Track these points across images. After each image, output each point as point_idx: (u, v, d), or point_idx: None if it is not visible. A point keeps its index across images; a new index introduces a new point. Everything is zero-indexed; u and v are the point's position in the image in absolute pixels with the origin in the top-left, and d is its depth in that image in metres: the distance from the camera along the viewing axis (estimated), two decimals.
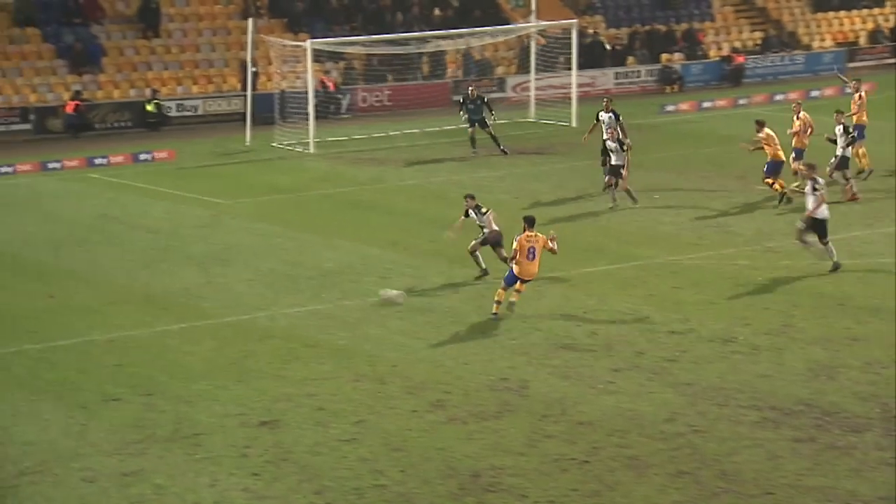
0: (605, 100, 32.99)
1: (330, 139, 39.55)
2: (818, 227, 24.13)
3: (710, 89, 50.32)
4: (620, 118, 31.57)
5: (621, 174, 29.78)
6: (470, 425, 17.67)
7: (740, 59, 52.03)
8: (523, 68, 46.15)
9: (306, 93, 39.32)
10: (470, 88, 37.74)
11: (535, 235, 22.27)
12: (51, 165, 36.45)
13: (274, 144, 39.55)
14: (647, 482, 15.96)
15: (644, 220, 29.12)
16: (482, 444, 17.10)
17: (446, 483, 16.00)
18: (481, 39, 44.61)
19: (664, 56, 51.82)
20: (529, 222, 22.40)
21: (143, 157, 37.62)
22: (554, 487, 15.86)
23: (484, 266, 24.26)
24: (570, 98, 42.03)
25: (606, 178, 30.24)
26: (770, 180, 29.84)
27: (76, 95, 42.22)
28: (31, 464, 16.39)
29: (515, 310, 22.15)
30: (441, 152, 38.40)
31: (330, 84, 45.07)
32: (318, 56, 41.18)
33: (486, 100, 37.23)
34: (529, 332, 21.56)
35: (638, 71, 50.50)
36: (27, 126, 41.78)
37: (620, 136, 30.03)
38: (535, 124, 42.41)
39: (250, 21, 41.54)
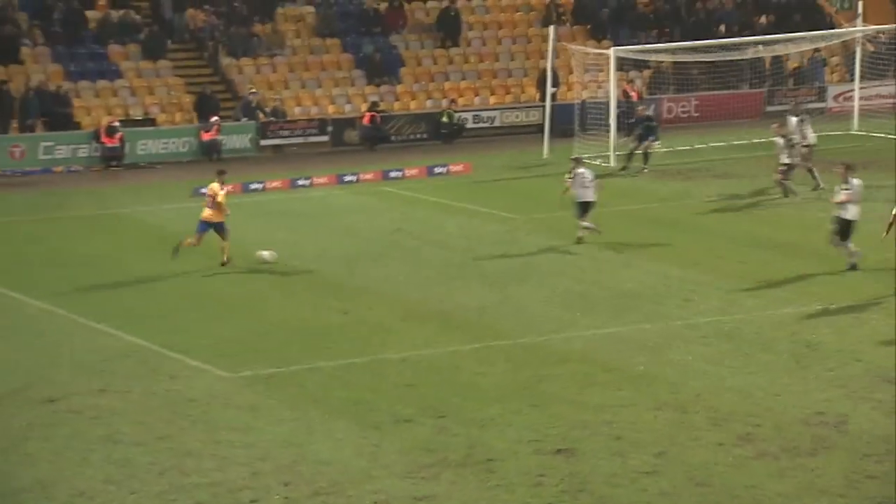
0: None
1: (632, 152, 39.34)
2: (843, 227, 25.96)
3: None
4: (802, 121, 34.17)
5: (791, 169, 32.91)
6: (782, 462, 17.21)
7: None
8: (847, 76, 44.76)
9: (608, 103, 39.35)
10: (640, 108, 39.09)
11: None
12: (346, 178, 37.78)
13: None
14: None
15: None
16: (795, 482, 16.61)
17: None
18: (800, 45, 43.53)
19: None
20: None
21: (438, 170, 38.49)
22: None
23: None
24: None
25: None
26: None
27: (373, 107, 43.63)
28: (324, 484, 16.94)
29: None
30: (750, 167, 37.64)
31: (633, 94, 44.95)
32: (622, 64, 41.14)
33: (654, 122, 38.06)
34: (849, 362, 20.84)
35: None
36: (325, 138, 43.46)
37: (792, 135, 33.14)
38: (858, 137, 41.03)
39: (552, 28, 41.91)
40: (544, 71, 42.68)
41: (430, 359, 21.84)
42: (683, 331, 22.77)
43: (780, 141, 33.05)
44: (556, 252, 28.82)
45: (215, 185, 27.73)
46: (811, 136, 34.30)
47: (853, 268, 26.00)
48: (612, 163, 38.54)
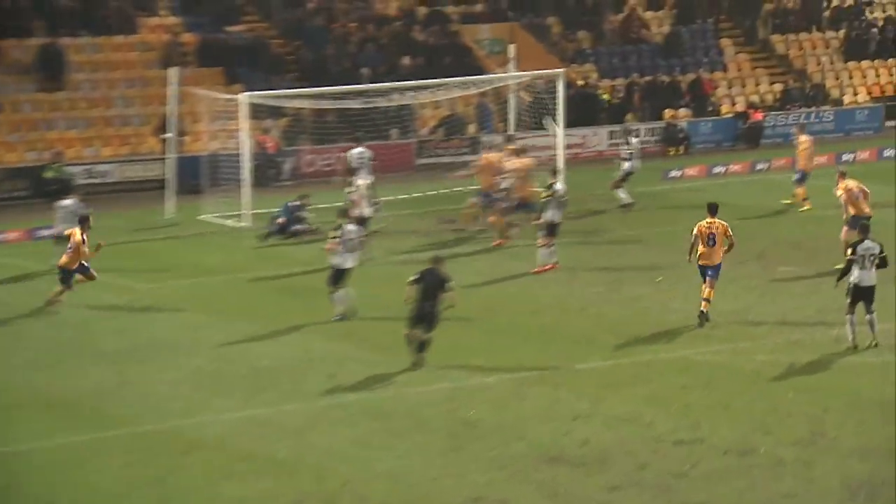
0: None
1: (268, 210, 39.62)
2: (335, 274, 28.50)
3: (722, 151, 50.95)
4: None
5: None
6: None
7: (758, 116, 52.73)
8: (503, 126, 46.62)
9: (241, 155, 39.56)
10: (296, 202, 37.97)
11: (715, 222, 27.12)
12: None
13: (201, 217, 39.69)
14: None
15: (647, 307, 29.30)
16: None
17: None
18: (451, 92, 44.98)
19: (667, 112, 52.46)
20: (712, 209, 27.39)
21: (43, 233, 37.64)
22: None
23: None
24: (554, 161, 42.36)
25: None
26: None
27: None
28: None
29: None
30: (401, 225, 38.61)
31: (270, 144, 45.35)
32: (257, 112, 41.47)
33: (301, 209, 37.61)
34: (509, 441, 21.60)
35: (637, 129, 51.09)
36: None
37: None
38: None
39: (173, 70, 41.87)
40: (166, 118, 42.54)
41: (34, 454, 21.32)
42: (328, 410, 23.08)
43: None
44: (184, 325, 28.69)
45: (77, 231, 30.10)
46: (361, 182, 36.09)
47: (341, 318, 28.29)
48: (246, 222, 38.70)
